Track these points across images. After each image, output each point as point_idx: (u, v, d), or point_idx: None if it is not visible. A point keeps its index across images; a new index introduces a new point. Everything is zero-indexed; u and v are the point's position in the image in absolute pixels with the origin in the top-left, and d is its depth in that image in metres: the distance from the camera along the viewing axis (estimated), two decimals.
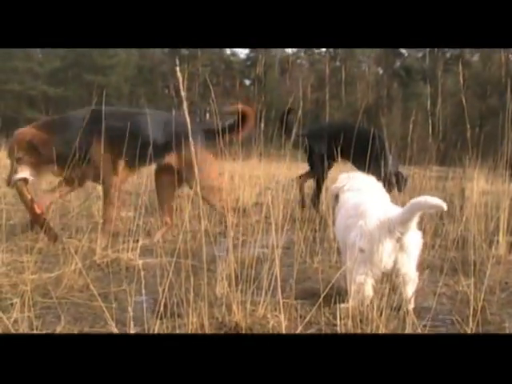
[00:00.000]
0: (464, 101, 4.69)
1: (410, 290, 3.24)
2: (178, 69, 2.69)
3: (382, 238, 3.13)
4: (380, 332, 2.73)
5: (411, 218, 3.12)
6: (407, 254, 3.18)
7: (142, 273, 2.77)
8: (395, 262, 3.17)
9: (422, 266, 3.41)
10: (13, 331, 2.62)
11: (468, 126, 3.81)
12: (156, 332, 2.61)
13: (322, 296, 3.17)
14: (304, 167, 7.30)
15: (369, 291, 3.20)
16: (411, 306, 3.22)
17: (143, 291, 2.87)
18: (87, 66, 51.61)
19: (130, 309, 2.60)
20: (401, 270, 3.19)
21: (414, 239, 3.23)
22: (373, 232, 3.16)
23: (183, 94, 2.68)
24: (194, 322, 2.72)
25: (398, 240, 3.13)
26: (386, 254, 3.14)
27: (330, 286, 3.43)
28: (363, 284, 3.20)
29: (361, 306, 3.10)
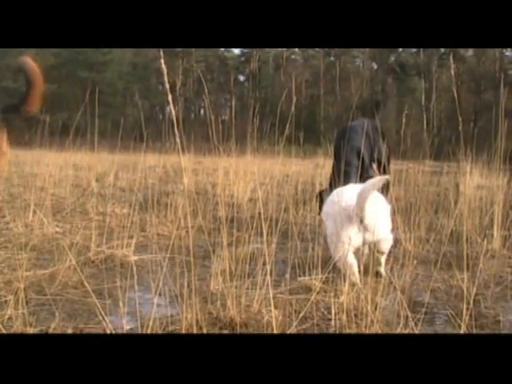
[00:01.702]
0: (456, 95, 4.69)
1: (384, 246, 3.83)
2: (162, 61, 2.69)
3: (344, 221, 3.65)
4: (374, 326, 2.74)
5: (363, 205, 3.57)
6: (373, 232, 3.66)
7: (135, 268, 2.77)
8: (365, 240, 3.69)
9: (416, 260, 3.42)
10: (4, 330, 2.61)
11: (460, 119, 3.81)
12: (150, 328, 2.60)
13: (317, 291, 3.18)
14: (297, 162, 7.27)
15: (351, 260, 3.65)
16: (383, 260, 3.88)
17: (136, 287, 2.87)
18: (81, 63, 51.45)
19: (121, 304, 2.60)
20: (374, 242, 3.75)
21: (377, 215, 3.70)
22: (336, 217, 3.70)
23: (167, 86, 2.68)
24: (188, 318, 2.72)
25: (361, 222, 3.62)
26: (353, 234, 3.64)
27: (324, 281, 3.46)
28: (343, 257, 3.64)
29: (355, 301, 3.11)
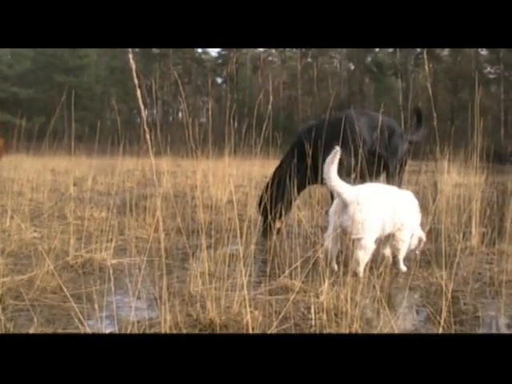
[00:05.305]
0: (431, 94, 4.67)
1: (360, 255, 3.89)
2: (132, 62, 2.68)
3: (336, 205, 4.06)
4: (354, 325, 2.74)
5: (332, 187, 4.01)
6: (352, 219, 3.87)
7: (111, 271, 2.75)
8: (343, 224, 3.94)
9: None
10: None
11: (435, 117, 3.83)
12: (129, 331, 2.59)
13: (296, 291, 3.18)
14: (276, 163, 7.23)
15: (328, 242, 3.98)
16: (358, 269, 3.85)
17: (113, 290, 2.85)
18: (58, 68, 51.16)
19: (99, 308, 2.58)
20: (348, 231, 3.93)
21: (362, 208, 3.91)
22: (336, 204, 4.07)
23: (138, 91, 2.67)
24: (168, 320, 2.70)
25: (344, 206, 3.94)
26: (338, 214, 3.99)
27: (303, 281, 3.46)
28: (328, 236, 4.03)
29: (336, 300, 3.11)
